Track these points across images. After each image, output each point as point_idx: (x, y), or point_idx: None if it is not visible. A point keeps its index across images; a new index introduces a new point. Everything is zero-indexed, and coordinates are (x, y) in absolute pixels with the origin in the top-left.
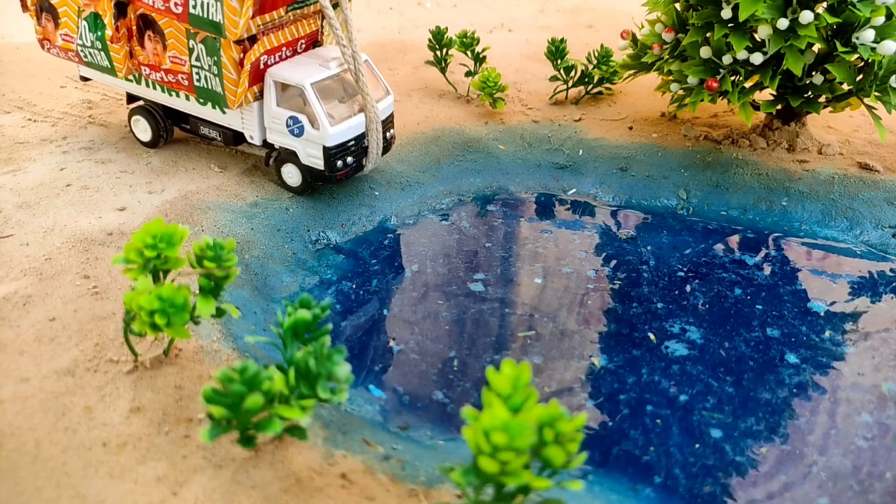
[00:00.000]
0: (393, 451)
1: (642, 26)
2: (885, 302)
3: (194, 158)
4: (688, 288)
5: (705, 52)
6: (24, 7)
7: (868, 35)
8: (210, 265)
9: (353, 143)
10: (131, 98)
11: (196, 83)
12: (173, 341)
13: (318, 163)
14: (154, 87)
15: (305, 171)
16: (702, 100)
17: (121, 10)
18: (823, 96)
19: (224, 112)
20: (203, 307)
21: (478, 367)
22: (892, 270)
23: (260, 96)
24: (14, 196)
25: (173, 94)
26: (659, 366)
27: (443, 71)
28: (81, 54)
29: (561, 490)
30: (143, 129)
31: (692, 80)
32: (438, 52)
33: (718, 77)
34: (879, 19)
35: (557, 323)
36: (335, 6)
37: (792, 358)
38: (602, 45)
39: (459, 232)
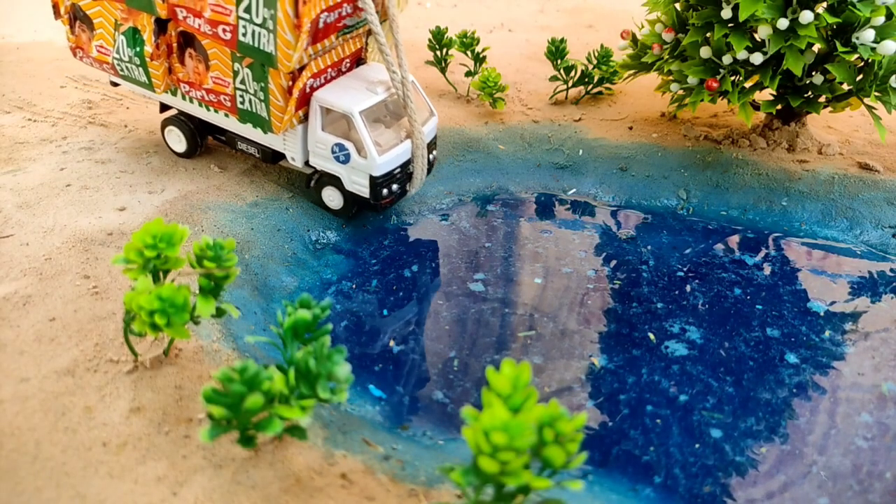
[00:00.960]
0: (393, 451)
1: (642, 26)
2: (885, 302)
3: (194, 158)
4: (688, 288)
5: (705, 52)
6: (57, 14)
7: (868, 35)
8: (210, 265)
9: (398, 170)
10: (165, 106)
11: (239, 105)
12: (173, 341)
13: (363, 190)
14: (191, 101)
15: (348, 195)
16: (702, 100)
17: (161, 27)
18: (823, 96)
19: (265, 132)
20: (203, 307)
21: (478, 366)
22: (892, 270)
23: (304, 119)
24: (14, 196)
25: (211, 109)
26: (659, 366)
27: (443, 71)
28: (118, 68)
29: (561, 490)
30: (176, 140)
31: (692, 80)
32: (438, 52)
33: (718, 77)
34: (879, 19)
35: (557, 323)
36: (381, 22)
37: (792, 358)
38: (602, 45)
39: (459, 232)
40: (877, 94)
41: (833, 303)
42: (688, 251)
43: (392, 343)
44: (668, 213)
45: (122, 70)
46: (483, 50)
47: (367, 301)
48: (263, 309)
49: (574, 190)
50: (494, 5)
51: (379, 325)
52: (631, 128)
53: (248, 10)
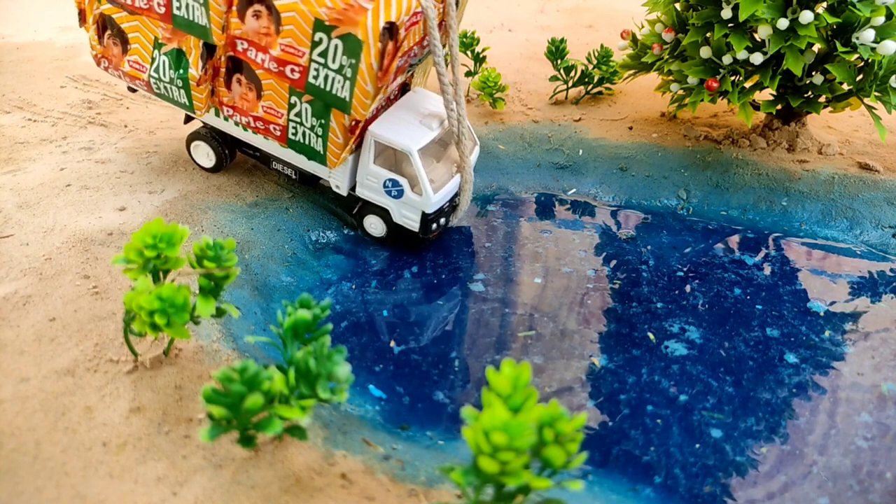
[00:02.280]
0: (393, 451)
1: (642, 26)
2: (884, 302)
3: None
4: (687, 288)
5: (705, 52)
6: (83, 21)
7: (868, 35)
8: (210, 265)
9: (447, 204)
10: (190, 117)
11: (291, 136)
12: (173, 341)
13: (412, 225)
14: (227, 120)
15: (392, 225)
16: (702, 100)
17: (209, 51)
18: (823, 96)
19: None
20: (203, 307)
21: (478, 367)
22: (892, 270)
23: (355, 149)
24: (14, 196)
25: (249, 130)
26: (659, 366)
27: None
28: (154, 86)
29: (561, 490)
30: (204, 155)
31: (692, 80)
32: None
33: (718, 77)
34: (879, 19)
35: (557, 323)
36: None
37: (791, 358)
38: (602, 45)
39: (459, 232)
40: (877, 94)
41: (833, 303)
42: (688, 251)
43: (392, 343)
44: (668, 213)
45: (158, 89)
46: (483, 50)
47: (367, 301)
48: (263, 309)
49: (574, 190)
50: (494, 5)
51: (379, 325)
52: (631, 128)
53: (323, 54)
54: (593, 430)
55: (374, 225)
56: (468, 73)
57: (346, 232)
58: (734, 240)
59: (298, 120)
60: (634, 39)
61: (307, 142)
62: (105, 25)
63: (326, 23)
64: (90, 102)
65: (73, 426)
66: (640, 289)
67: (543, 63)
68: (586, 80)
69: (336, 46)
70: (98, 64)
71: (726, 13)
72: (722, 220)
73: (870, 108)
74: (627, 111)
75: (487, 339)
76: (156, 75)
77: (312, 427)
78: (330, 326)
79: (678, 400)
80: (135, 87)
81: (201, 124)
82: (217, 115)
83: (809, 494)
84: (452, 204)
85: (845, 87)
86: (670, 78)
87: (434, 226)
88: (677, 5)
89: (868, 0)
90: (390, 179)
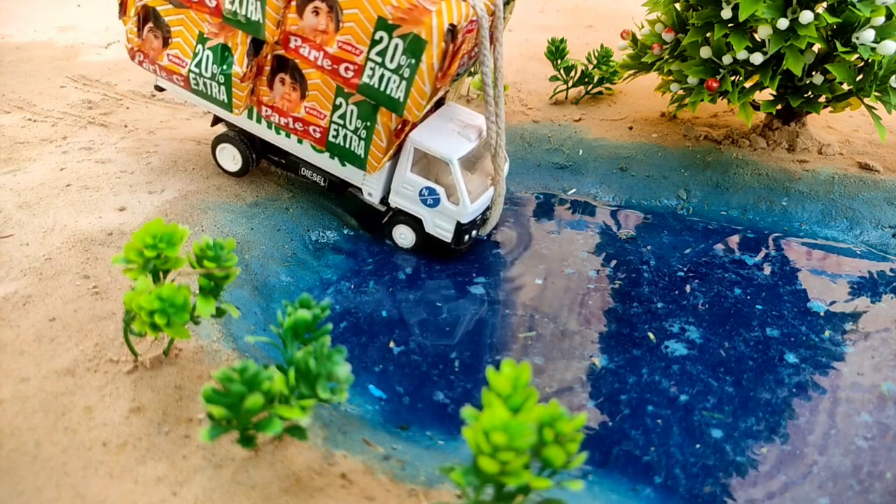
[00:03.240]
0: (393, 451)
1: (642, 26)
2: (885, 302)
3: (194, 158)
4: (688, 288)
5: (705, 52)
6: (123, 12)
7: (868, 35)
8: (210, 265)
9: (479, 216)
10: (217, 120)
11: (331, 139)
12: (173, 341)
13: (445, 235)
14: (259, 122)
15: (422, 235)
16: (702, 100)
17: (255, 48)
18: (823, 96)
19: (344, 165)
20: (203, 307)
21: (478, 367)
22: (892, 270)
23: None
24: (14, 196)
25: (281, 133)
26: (659, 366)
27: None
28: (192, 82)
29: (561, 490)
30: (230, 158)
31: (692, 80)
32: None
33: (718, 77)
34: (879, 19)
35: (558, 323)
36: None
37: (791, 358)
38: (602, 45)
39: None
40: (877, 94)
41: (833, 303)
42: (688, 251)
43: (392, 344)
44: (668, 213)
45: (197, 84)
46: None
47: (367, 301)
48: (263, 309)
49: (574, 190)
50: None
51: (378, 325)
52: (631, 128)
53: (381, 53)
54: (593, 430)
55: (403, 235)
56: (468, 73)
57: (346, 232)
58: (734, 240)
59: (341, 122)
60: (634, 39)
61: (347, 145)
62: (147, 18)
63: (390, 21)
64: (90, 102)
65: (73, 426)
66: (640, 289)
67: (543, 63)
68: (586, 80)
69: (396, 46)
70: (132, 57)
71: (726, 13)
72: (722, 220)
73: (870, 108)
74: (627, 111)
75: (487, 339)
76: (196, 70)
77: (312, 427)
78: (330, 326)
79: (678, 400)
80: (163, 87)
81: (227, 127)
82: (250, 116)
83: (810, 494)
84: (483, 217)
85: (845, 87)
86: (670, 78)
87: (466, 237)
88: (677, 5)
89: (868, 0)
90: (427, 188)
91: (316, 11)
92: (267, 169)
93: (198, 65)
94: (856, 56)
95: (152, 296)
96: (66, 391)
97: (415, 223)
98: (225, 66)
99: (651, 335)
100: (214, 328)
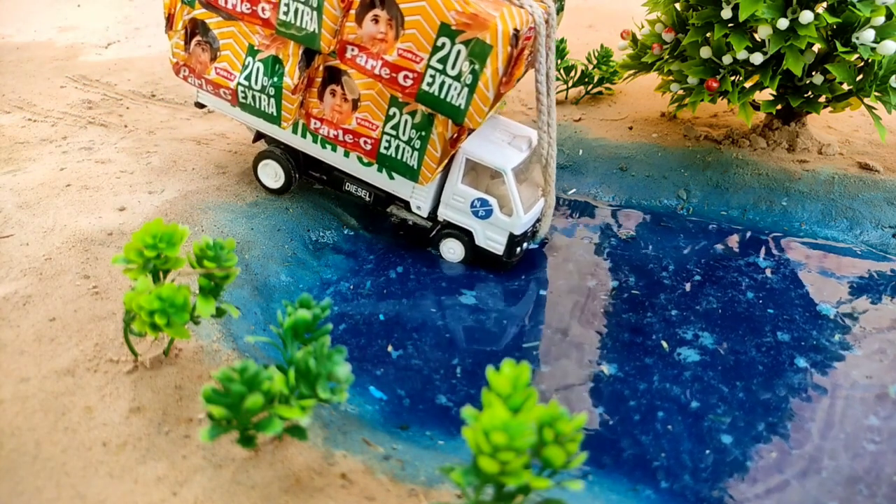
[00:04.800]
0: (393, 451)
1: (642, 26)
2: (885, 303)
3: (194, 158)
4: (688, 287)
5: (705, 52)
6: (170, 26)
7: (868, 35)
8: (210, 265)
9: (530, 228)
10: (260, 135)
11: (382, 150)
12: (173, 341)
13: (497, 248)
14: (304, 136)
15: (471, 249)
16: (702, 100)
17: (308, 59)
18: (823, 96)
19: (392, 178)
20: (203, 307)
21: (477, 372)
22: (892, 271)
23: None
24: (14, 196)
25: (328, 146)
26: (658, 366)
27: None
28: (241, 95)
29: (561, 490)
30: (272, 175)
31: (692, 80)
32: None
33: (718, 77)
34: (879, 19)
35: (557, 323)
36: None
37: (799, 360)
38: (602, 45)
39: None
40: (877, 94)
41: (834, 303)
42: (687, 251)
43: (390, 348)
44: (668, 213)
45: (245, 98)
46: None
47: (366, 302)
48: (263, 309)
49: (574, 190)
50: None
51: (378, 326)
52: (631, 128)
53: (443, 60)
54: (593, 429)
55: (452, 249)
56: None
57: (346, 232)
58: (734, 240)
59: (394, 133)
60: (634, 39)
61: (400, 156)
62: (194, 31)
63: (453, 27)
64: (90, 102)
65: (73, 426)
66: (640, 289)
67: None
68: (586, 80)
69: (458, 52)
70: (177, 72)
71: (726, 13)
72: (722, 220)
73: (870, 108)
74: (627, 111)
75: (485, 341)
76: (245, 83)
77: (312, 427)
78: (330, 326)
79: (679, 399)
80: (204, 103)
81: (268, 143)
82: (294, 131)
83: (818, 498)
84: (533, 228)
85: (845, 87)
86: (670, 78)
87: (518, 249)
88: (677, 5)
89: (868, 0)
90: (479, 199)
91: (375, 19)
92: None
93: (247, 77)
94: (856, 56)
95: (152, 296)
96: (66, 391)
97: (464, 236)
98: (276, 79)
99: (665, 343)
100: (214, 328)
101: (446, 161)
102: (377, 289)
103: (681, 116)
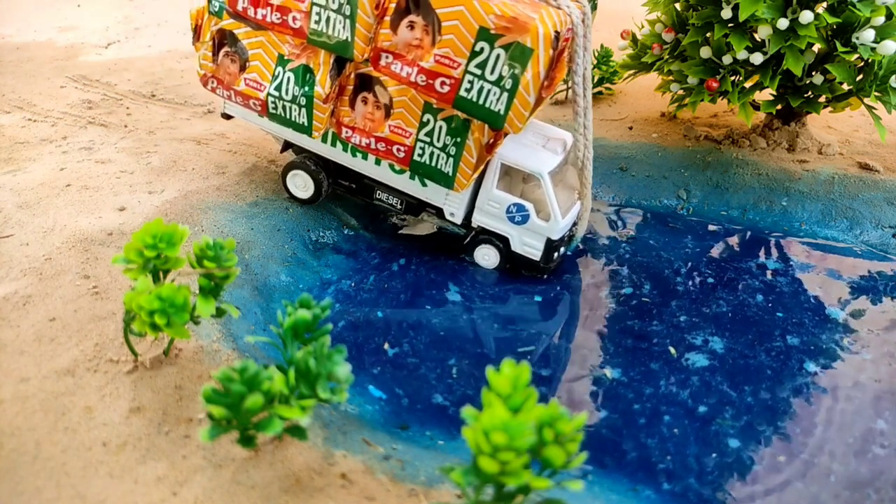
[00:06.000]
0: (393, 451)
1: (642, 26)
2: (886, 303)
3: (194, 158)
4: (688, 287)
5: (705, 52)
6: (197, 38)
7: (868, 35)
8: (210, 265)
9: (567, 233)
10: (288, 145)
11: (416, 157)
12: (173, 341)
13: (534, 253)
14: (334, 144)
15: (506, 255)
16: (702, 100)
17: (339, 67)
18: (823, 96)
19: (425, 185)
20: (203, 307)
21: (476, 375)
22: (892, 271)
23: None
24: (14, 196)
25: (358, 154)
26: (658, 364)
27: None
28: (271, 106)
29: (561, 490)
30: (302, 186)
31: (692, 80)
32: None
33: (718, 77)
34: (879, 19)
35: (557, 324)
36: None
37: (807, 363)
38: (602, 45)
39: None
40: (877, 94)
41: (845, 307)
42: (687, 251)
43: (386, 345)
44: (668, 213)
45: (275, 108)
46: None
47: (366, 302)
48: (263, 309)
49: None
50: None
51: (377, 326)
52: (631, 128)
53: (481, 65)
54: (593, 429)
55: (487, 256)
56: None
57: (346, 232)
58: (734, 240)
59: (428, 139)
60: (634, 39)
61: (434, 163)
62: (222, 42)
63: (492, 31)
64: (90, 102)
65: (73, 426)
66: (640, 289)
67: None
68: None
69: (498, 56)
70: (205, 84)
71: (726, 13)
72: (722, 220)
73: (870, 108)
74: (627, 111)
75: (483, 342)
76: (276, 94)
77: (312, 427)
78: (330, 326)
79: (678, 398)
80: (231, 114)
81: (296, 153)
82: (324, 140)
83: (827, 503)
84: (570, 233)
85: (845, 87)
86: (670, 78)
87: (555, 254)
88: (677, 5)
89: (868, 0)
90: (515, 204)
91: (411, 26)
92: (267, 168)
93: (277, 88)
94: (856, 56)
95: (152, 296)
96: (66, 391)
97: (500, 242)
98: (307, 88)
99: (672, 349)
100: (214, 328)
101: (482, 167)
102: (378, 287)
103: (681, 116)
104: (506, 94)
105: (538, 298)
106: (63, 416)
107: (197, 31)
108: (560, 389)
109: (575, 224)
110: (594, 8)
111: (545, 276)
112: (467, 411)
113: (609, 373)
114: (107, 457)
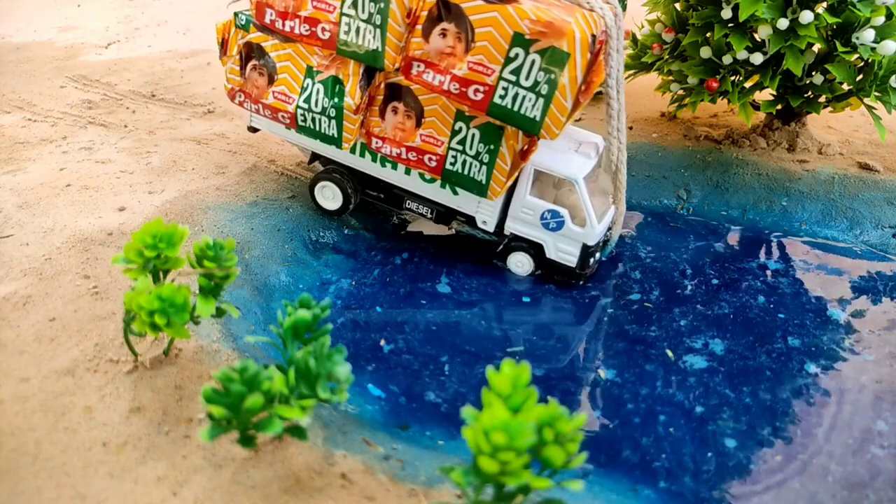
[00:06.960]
0: (393, 451)
1: (642, 26)
2: (886, 304)
3: (194, 158)
4: (687, 287)
5: (705, 52)
6: (224, 52)
7: (868, 35)
8: (210, 265)
9: (602, 238)
10: (315, 156)
11: (448, 166)
12: (173, 341)
13: (570, 259)
14: (363, 155)
15: (542, 262)
16: (702, 100)
17: (368, 77)
18: (823, 96)
19: (456, 193)
20: (203, 307)
21: (470, 374)
22: (892, 271)
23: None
24: (14, 196)
25: (388, 164)
26: (658, 364)
27: None
28: (300, 118)
29: (561, 490)
30: (331, 197)
31: (692, 80)
32: None
33: (718, 77)
34: (879, 19)
35: (556, 324)
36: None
37: (807, 364)
38: None
39: (460, 235)
40: (877, 94)
41: (846, 308)
42: (687, 251)
43: (383, 342)
44: (668, 213)
45: (304, 121)
46: None
47: (366, 302)
48: (263, 309)
49: None
50: None
51: (377, 326)
52: (631, 128)
53: (516, 71)
54: (593, 429)
55: (521, 263)
56: None
57: (346, 232)
58: (734, 239)
59: (460, 148)
60: (634, 39)
61: (467, 171)
62: (249, 55)
63: (527, 37)
64: (90, 102)
65: (73, 426)
66: (640, 288)
67: None
68: None
69: (533, 62)
70: (232, 98)
71: (726, 13)
72: (722, 220)
73: (870, 108)
74: (627, 111)
75: (479, 344)
76: (305, 106)
77: (312, 427)
78: (330, 326)
79: (676, 398)
80: (257, 127)
81: (323, 164)
82: (353, 151)
83: (825, 503)
84: (605, 238)
85: (845, 87)
86: (670, 78)
87: (591, 260)
88: (677, 5)
89: (868, 0)
90: (550, 210)
91: (443, 34)
92: (267, 168)
93: (307, 100)
94: (856, 56)
95: (152, 296)
96: (66, 391)
97: (534, 249)
98: (336, 99)
99: (671, 352)
100: (214, 328)
101: (516, 174)
102: (378, 286)
103: (681, 116)
104: (542, 100)
105: (544, 291)
106: (63, 416)
107: (224, 45)
108: (556, 389)
109: (609, 229)
110: (624, 7)
111: (580, 283)
112: (467, 411)
113: (603, 373)
114: (107, 457)
